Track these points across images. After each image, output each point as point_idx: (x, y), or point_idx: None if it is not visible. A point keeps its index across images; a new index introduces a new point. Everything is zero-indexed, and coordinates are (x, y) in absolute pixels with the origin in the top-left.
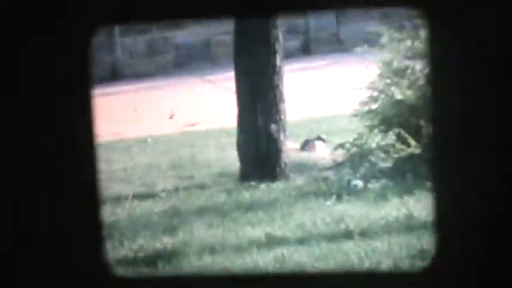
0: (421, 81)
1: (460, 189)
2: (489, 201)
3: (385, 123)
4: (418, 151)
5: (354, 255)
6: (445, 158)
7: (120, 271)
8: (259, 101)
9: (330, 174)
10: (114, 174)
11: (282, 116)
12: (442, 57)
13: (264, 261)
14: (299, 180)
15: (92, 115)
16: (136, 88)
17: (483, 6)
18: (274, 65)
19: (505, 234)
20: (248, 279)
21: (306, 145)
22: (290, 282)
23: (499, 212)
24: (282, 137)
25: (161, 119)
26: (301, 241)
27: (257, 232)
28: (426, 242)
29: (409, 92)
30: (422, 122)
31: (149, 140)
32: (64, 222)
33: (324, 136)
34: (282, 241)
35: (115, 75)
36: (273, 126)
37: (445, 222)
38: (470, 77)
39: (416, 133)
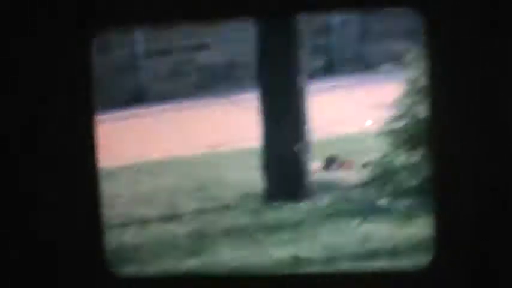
0: None
1: (459, 190)
2: (488, 202)
3: (411, 142)
4: None
5: None
6: (444, 160)
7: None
8: (283, 121)
9: (355, 194)
10: (139, 196)
11: (306, 136)
12: (440, 59)
13: None
14: (324, 201)
15: (93, 116)
16: (160, 110)
17: (481, 6)
18: (298, 86)
19: (502, 235)
20: (249, 279)
21: (329, 164)
22: (290, 282)
23: (497, 214)
24: (306, 157)
25: (186, 141)
26: (327, 261)
27: (282, 253)
28: None
29: None
30: None
31: (174, 161)
32: (65, 222)
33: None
34: (308, 262)
35: (139, 97)
36: (297, 147)
37: (444, 224)
38: (467, 78)
39: None
